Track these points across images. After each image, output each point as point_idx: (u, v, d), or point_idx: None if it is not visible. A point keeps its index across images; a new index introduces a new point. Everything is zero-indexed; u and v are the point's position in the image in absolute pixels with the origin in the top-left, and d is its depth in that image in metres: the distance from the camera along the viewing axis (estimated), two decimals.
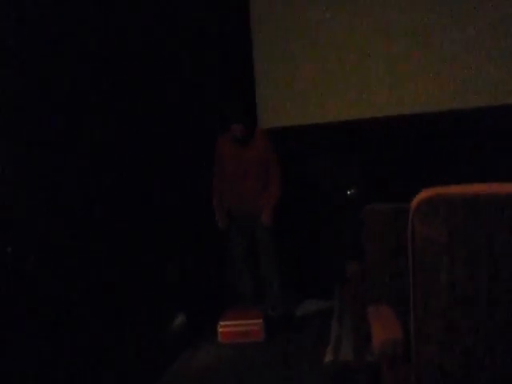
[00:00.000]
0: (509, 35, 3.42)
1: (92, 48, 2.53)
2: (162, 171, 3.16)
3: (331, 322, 2.90)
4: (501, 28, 3.44)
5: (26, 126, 2.08)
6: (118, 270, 2.55)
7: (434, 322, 1.02)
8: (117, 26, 2.77)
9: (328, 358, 2.73)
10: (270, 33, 4.06)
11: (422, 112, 3.59)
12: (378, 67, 3.74)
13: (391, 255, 1.73)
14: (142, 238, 2.83)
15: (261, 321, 3.04)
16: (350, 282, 2.24)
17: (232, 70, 3.95)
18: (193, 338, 3.06)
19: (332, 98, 3.90)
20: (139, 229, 2.82)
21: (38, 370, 1.95)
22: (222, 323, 3.03)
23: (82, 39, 2.45)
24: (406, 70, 3.68)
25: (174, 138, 3.34)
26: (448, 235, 0.94)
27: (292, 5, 3.96)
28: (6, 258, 1.90)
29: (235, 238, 3.41)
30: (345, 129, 3.77)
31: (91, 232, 2.39)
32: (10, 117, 2.00)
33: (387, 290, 1.74)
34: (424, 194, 0.97)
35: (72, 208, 2.28)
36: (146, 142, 3.00)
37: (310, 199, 3.83)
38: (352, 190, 3.75)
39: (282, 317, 3.40)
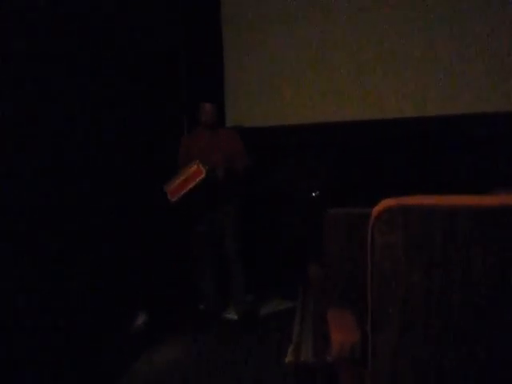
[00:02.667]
0: (476, 42, 3.53)
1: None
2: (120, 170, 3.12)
3: (294, 323, 2.94)
4: (468, 37, 3.55)
5: None
6: (78, 268, 2.51)
7: (390, 327, 1.06)
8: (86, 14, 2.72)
9: (289, 358, 2.77)
10: (239, 36, 4.09)
11: (385, 118, 3.69)
12: (346, 71, 3.81)
13: (351, 259, 1.77)
14: (102, 236, 2.79)
15: (197, 161, 3.07)
16: (311, 284, 2.28)
17: (202, 68, 3.95)
18: (155, 337, 3.04)
19: (299, 100, 3.94)
20: (99, 227, 2.78)
21: None
22: (165, 187, 3.10)
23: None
24: (372, 76, 3.76)
25: (138, 133, 3.31)
26: (405, 244, 0.98)
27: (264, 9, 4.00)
28: None
29: (201, 234, 3.37)
30: (310, 131, 3.83)
31: (49, 232, 2.34)
32: None
33: (347, 294, 1.78)
34: (384, 203, 1.00)
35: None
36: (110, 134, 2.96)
37: (275, 201, 3.88)
38: (316, 193, 3.80)
39: (246, 317, 3.42)
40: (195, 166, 3.05)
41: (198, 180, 3.03)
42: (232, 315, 3.48)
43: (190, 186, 3.04)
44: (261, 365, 2.78)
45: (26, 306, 2.11)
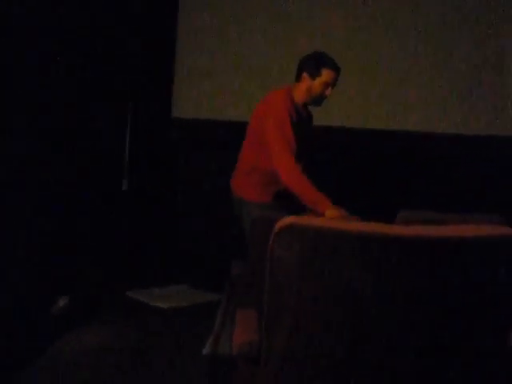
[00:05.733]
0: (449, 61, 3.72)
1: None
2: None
3: (217, 315, 3.04)
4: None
5: None
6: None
7: (280, 331, 1.17)
8: None
9: (206, 350, 2.87)
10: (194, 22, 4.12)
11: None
12: None
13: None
14: (25, 217, 2.77)
15: None
16: (232, 281, 2.38)
17: (153, 56, 3.95)
18: (76, 321, 3.05)
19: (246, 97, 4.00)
20: (22, 207, 2.75)
21: None
22: None
23: None
24: None
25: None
26: (298, 259, 1.09)
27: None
28: None
29: None
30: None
31: None
32: None
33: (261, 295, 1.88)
34: (284, 221, 1.10)
35: None
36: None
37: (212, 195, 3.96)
38: None
39: (172, 309, 3.48)
40: None
41: None
42: (161, 304, 3.53)
43: None
44: (180, 356, 2.84)
45: None
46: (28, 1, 2.66)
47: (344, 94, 3.64)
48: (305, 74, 2.57)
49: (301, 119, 2.65)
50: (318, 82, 2.56)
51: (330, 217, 2.16)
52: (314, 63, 2.56)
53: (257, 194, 2.73)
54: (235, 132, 3.90)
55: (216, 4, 4.08)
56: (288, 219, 1.11)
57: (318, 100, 2.64)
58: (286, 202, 2.57)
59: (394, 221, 2.19)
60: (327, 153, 3.73)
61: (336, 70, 2.57)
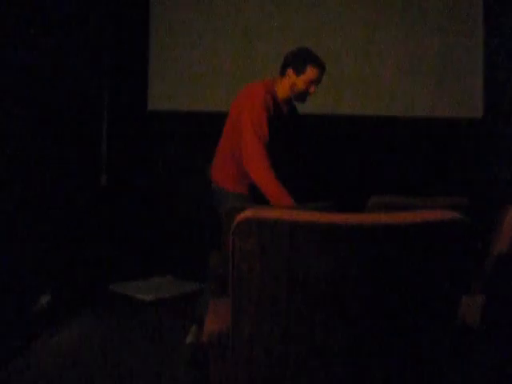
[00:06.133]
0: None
1: None
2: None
3: (197, 305, 3.09)
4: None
5: None
6: None
7: (246, 320, 1.22)
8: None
9: (189, 339, 2.93)
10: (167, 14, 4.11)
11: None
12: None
13: None
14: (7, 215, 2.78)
15: None
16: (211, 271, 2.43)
17: (127, 50, 3.95)
18: (57, 317, 3.08)
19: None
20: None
21: None
22: None
23: None
24: None
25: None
26: (258, 250, 1.14)
27: None
28: None
29: None
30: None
31: None
32: None
33: None
34: (244, 213, 1.15)
35: None
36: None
37: (191, 186, 4.00)
38: None
39: (155, 300, 3.53)
40: None
41: None
42: (145, 296, 3.57)
43: None
44: (164, 346, 2.90)
45: None
46: None
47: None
48: (290, 70, 2.56)
49: (281, 114, 2.65)
50: (302, 79, 2.55)
51: None
52: (299, 59, 2.54)
53: (233, 184, 2.77)
54: (212, 123, 3.95)
55: None
56: (246, 212, 1.16)
57: (302, 96, 2.63)
58: (260, 193, 2.60)
59: (366, 206, 2.26)
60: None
61: (321, 67, 2.55)
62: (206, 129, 3.92)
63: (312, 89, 2.57)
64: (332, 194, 3.43)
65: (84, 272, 3.48)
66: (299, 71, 2.52)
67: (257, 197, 2.61)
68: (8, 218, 2.77)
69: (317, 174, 3.68)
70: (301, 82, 2.54)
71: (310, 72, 2.51)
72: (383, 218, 1.06)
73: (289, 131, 2.80)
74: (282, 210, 1.19)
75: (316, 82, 2.57)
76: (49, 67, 3.13)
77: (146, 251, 4.00)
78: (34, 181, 2.99)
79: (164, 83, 4.08)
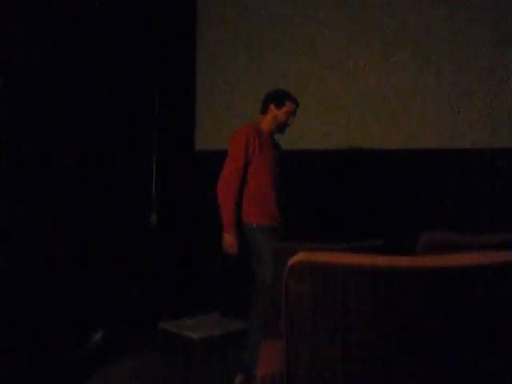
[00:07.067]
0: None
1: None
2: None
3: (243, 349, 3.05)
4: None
5: None
6: (34, 280, 2.61)
7: (300, 362, 1.22)
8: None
9: (238, 379, 2.91)
10: (212, 57, 4.26)
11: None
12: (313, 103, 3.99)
13: None
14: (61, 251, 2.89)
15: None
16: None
17: (175, 93, 4.10)
18: (110, 354, 3.13)
19: None
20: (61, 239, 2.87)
21: None
22: None
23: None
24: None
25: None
26: (313, 294, 1.14)
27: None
28: None
29: None
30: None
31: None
32: None
33: None
34: (297, 256, 1.16)
35: None
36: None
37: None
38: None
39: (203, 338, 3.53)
40: None
41: None
42: (193, 334, 3.58)
43: None
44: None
45: None
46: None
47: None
48: (272, 106, 3.01)
49: (268, 144, 3.02)
50: (282, 111, 3.00)
51: (225, 241, 2.85)
52: (279, 96, 3.02)
53: (255, 217, 2.96)
54: None
55: (232, 37, 4.23)
56: (299, 255, 1.17)
57: (282, 127, 3.07)
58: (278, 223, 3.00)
59: (417, 243, 2.22)
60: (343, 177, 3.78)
61: (296, 102, 3.02)
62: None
63: (290, 120, 3.04)
64: (381, 230, 3.39)
65: (134, 309, 3.54)
66: (280, 105, 2.99)
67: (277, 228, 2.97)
68: (64, 257, 2.88)
69: (366, 210, 3.65)
70: (281, 114, 3.00)
71: (289, 105, 2.99)
72: (435, 260, 1.05)
73: (278, 162, 3.12)
74: (335, 252, 1.20)
75: (293, 114, 3.04)
76: (101, 108, 3.30)
77: (195, 289, 4.03)
78: (88, 224, 3.11)
79: (210, 122, 4.20)
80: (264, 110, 3.05)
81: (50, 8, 2.84)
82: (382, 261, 1.12)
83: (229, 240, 2.87)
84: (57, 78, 2.88)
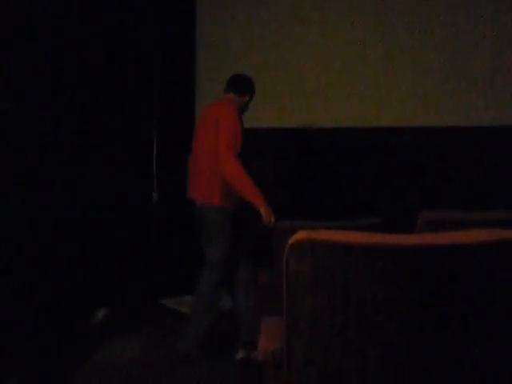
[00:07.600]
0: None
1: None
2: None
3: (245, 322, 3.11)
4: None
5: None
6: (40, 260, 2.65)
7: (300, 338, 1.25)
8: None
9: (239, 355, 2.96)
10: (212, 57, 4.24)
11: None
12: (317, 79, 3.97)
13: None
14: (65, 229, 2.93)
15: None
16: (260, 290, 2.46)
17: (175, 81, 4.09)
18: (116, 331, 3.18)
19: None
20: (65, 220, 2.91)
21: None
22: None
23: None
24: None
25: None
26: (311, 271, 1.16)
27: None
28: None
29: None
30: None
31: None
32: None
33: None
34: (297, 235, 1.18)
35: None
36: None
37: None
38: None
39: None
40: None
41: None
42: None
43: None
44: (215, 361, 2.93)
45: None
46: None
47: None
48: (248, 93, 3.21)
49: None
50: (249, 98, 3.24)
51: (263, 214, 2.82)
52: (250, 85, 3.24)
53: (220, 199, 2.95)
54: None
55: (232, 36, 4.20)
56: (299, 234, 1.19)
57: (244, 111, 3.25)
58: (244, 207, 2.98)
59: (417, 221, 2.24)
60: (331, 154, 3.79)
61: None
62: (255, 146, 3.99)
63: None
64: (381, 207, 3.42)
65: (136, 287, 3.59)
66: (251, 93, 3.24)
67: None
68: (71, 239, 2.92)
69: (366, 189, 3.66)
70: (248, 100, 3.24)
71: (253, 93, 3.27)
72: (434, 238, 1.07)
73: None
74: (335, 231, 1.21)
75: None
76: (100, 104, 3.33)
77: (194, 265, 4.07)
78: (93, 202, 3.15)
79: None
80: (241, 93, 3.20)
81: (50, 8, 2.81)
82: (381, 239, 1.14)
83: (268, 211, 2.87)
84: (56, 77, 2.87)
